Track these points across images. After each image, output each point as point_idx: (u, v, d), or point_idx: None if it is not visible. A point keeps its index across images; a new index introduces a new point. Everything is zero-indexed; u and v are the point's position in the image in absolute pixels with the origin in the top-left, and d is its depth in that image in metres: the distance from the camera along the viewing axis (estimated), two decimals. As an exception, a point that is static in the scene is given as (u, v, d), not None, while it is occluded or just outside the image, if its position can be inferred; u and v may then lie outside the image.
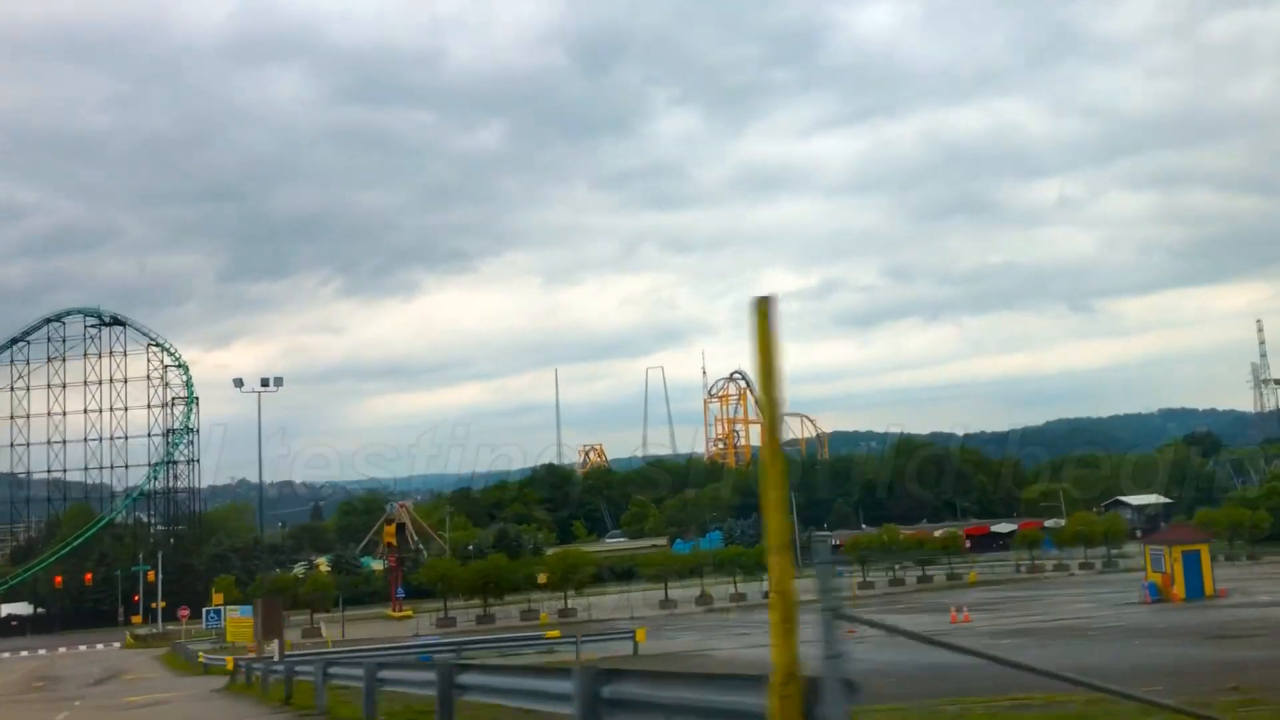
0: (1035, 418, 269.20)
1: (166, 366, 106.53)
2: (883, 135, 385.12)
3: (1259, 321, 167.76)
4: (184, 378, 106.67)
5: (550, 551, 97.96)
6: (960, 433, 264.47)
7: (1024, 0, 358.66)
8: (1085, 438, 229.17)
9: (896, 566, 70.84)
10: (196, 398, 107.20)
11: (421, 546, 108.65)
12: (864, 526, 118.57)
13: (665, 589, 65.97)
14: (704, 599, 66.24)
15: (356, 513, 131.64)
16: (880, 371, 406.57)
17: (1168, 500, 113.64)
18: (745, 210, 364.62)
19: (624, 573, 75.18)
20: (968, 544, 71.02)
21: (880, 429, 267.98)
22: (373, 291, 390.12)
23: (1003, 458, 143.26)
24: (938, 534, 77.31)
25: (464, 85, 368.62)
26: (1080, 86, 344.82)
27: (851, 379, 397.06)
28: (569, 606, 63.93)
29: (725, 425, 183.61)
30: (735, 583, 67.45)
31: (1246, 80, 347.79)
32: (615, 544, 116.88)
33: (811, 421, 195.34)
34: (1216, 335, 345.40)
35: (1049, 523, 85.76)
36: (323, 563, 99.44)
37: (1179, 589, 39.92)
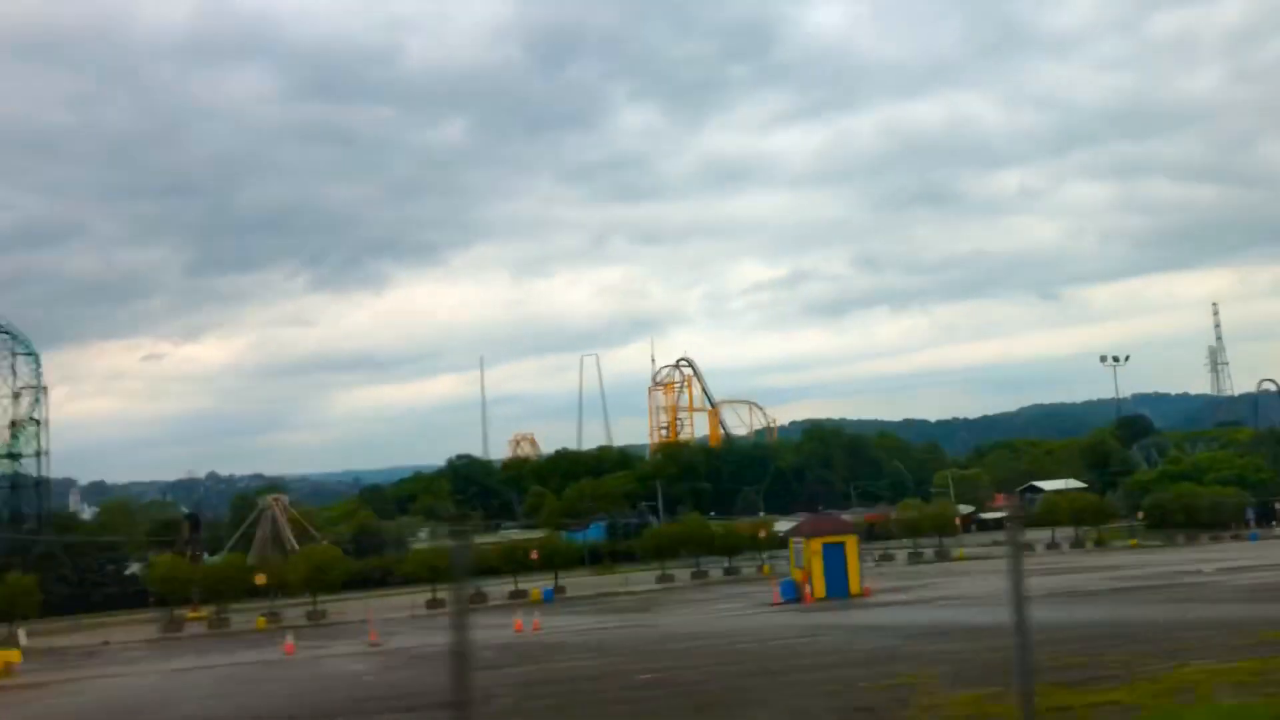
0: (1010, 404, 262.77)
1: (16, 355, 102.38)
2: (842, 128, 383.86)
3: (1214, 305, 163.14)
4: (33, 366, 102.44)
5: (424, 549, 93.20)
6: (933, 419, 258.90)
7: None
8: (1057, 423, 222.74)
9: (699, 560, 65.23)
10: (45, 388, 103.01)
11: (294, 545, 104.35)
12: (761, 515, 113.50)
13: (433, 590, 60.90)
14: (479, 597, 61.12)
15: (251, 508, 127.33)
16: (854, 360, 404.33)
17: (1082, 486, 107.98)
18: (712, 202, 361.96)
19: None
20: (763, 534, 65.48)
21: (854, 417, 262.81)
22: (342, 284, 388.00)
23: (923, 443, 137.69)
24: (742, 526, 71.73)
25: (423, 82, 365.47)
26: (1032, 79, 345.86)
27: (826, 367, 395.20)
28: (318, 609, 58.84)
29: (669, 413, 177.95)
30: (516, 581, 62.07)
31: (1193, 74, 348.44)
32: (505, 535, 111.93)
33: (761, 410, 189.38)
34: (1187, 320, 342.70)
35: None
36: (230, 555, 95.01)
37: (817, 587, 34.22)
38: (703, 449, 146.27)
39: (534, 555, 59.31)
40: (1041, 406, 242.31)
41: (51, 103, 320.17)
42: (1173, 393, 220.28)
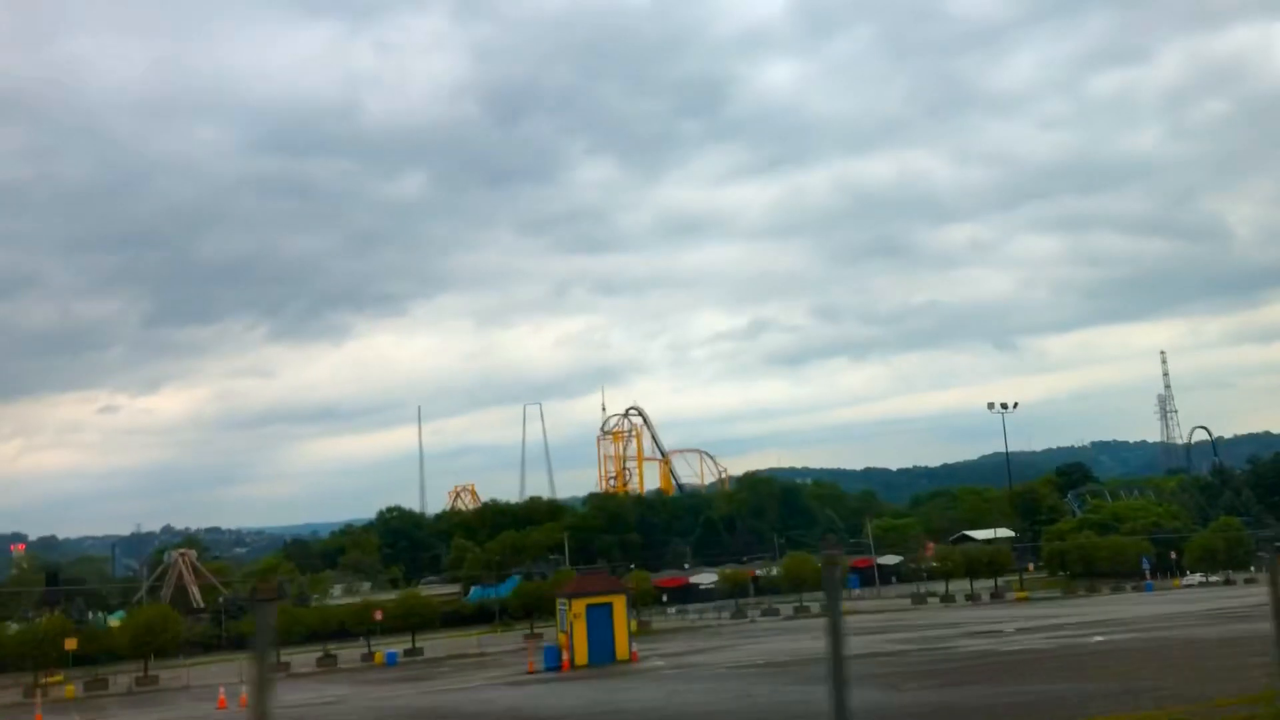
0: (970, 452, 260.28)
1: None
2: (795, 183, 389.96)
3: (1162, 354, 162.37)
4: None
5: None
6: (895, 468, 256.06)
7: (915, 57, 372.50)
8: (1016, 471, 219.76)
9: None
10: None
11: (199, 600, 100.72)
12: (686, 566, 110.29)
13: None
14: (328, 660, 57.95)
15: (163, 563, 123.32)
16: (815, 409, 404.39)
17: (1012, 534, 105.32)
18: (672, 253, 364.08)
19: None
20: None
21: (816, 466, 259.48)
22: (302, 335, 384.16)
23: (858, 492, 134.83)
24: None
25: (383, 136, 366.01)
26: (978, 137, 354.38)
27: (788, 417, 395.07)
28: (148, 675, 55.39)
29: (617, 463, 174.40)
30: (369, 644, 58.58)
31: (1135, 131, 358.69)
32: (427, 590, 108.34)
33: (712, 459, 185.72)
34: (1141, 369, 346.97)
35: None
36: (49, 618, 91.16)
37: (578, 652, 31.00)
38: (634, 500, 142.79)
39: (378, 616, 55.85)
40: (1001, 454, 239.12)
41: (9, 156, 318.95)
42: (1130, 440, 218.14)
